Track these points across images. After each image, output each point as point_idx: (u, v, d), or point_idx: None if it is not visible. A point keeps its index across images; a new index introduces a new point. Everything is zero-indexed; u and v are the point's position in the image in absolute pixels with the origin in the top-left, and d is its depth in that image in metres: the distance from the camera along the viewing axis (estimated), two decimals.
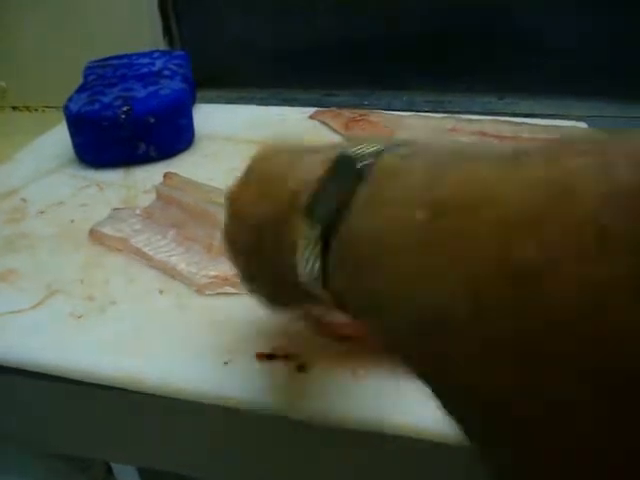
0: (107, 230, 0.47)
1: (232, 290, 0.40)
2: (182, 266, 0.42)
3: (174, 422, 0.37)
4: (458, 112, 0.67)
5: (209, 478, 0.41)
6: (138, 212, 0.49)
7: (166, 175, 0.52)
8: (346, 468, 0.35)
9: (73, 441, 0.42)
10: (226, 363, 0.35)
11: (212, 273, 0.41)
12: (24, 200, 0.53)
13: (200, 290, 0.41)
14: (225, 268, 0.41)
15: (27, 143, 0.65)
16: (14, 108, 0.86)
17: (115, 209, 0.50)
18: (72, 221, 0.50)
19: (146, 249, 0.44)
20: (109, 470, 0.76)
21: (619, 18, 0.68)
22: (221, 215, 0.43)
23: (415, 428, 0.31)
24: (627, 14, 0.68)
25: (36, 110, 0.85)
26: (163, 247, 0.44)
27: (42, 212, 0.52)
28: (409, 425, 0.31)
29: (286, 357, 0.34)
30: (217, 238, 0.43)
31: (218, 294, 0.41)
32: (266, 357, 0.35)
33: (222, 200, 0.46)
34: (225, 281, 0.41)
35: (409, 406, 0.31)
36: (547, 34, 0.71)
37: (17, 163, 0.60)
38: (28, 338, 0.38)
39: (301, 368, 0.34)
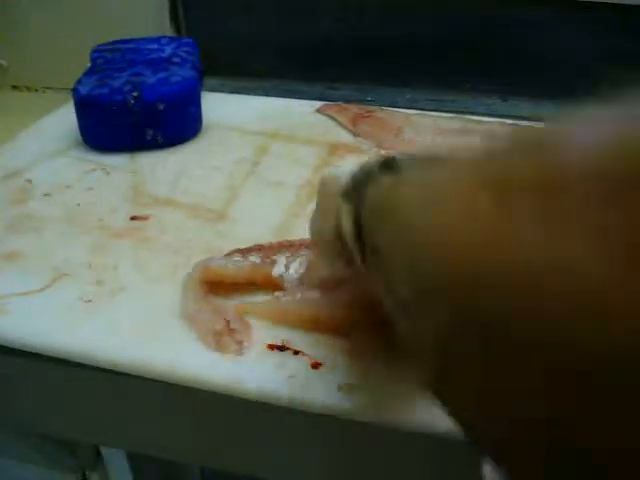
0: None
1: None
2: None
3: (174, 408, 0.37)
4: (461, 112, 0.68)
5: (204, 464, 0.41)
6: None
7: None
8: (357, 462, 0.35)
9: (72, 424, 0.42)
10: None
11: None
12: (29, 181, 0.53)
13: None
14: None
15: (26, 123, 0.64)
16: (14, 87, 0.84)
17: None
18: (78, 205, 0.50)
19: None
20: (98, 453, 0.76)
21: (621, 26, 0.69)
22: None
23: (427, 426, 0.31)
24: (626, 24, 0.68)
25: (36, 90, 0.84)
26: None
27: (48, 194, 0.51)
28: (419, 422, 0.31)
29: (297, 352, 0.35)
30: None
31: None
32: (277, 348, 0.35)
33: None
34: None
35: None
36: (550, 39, 0.71)
37: (21, 144, 0.60)
38: (36, 320, 0.38)
39: (314, 362, 0.34)
